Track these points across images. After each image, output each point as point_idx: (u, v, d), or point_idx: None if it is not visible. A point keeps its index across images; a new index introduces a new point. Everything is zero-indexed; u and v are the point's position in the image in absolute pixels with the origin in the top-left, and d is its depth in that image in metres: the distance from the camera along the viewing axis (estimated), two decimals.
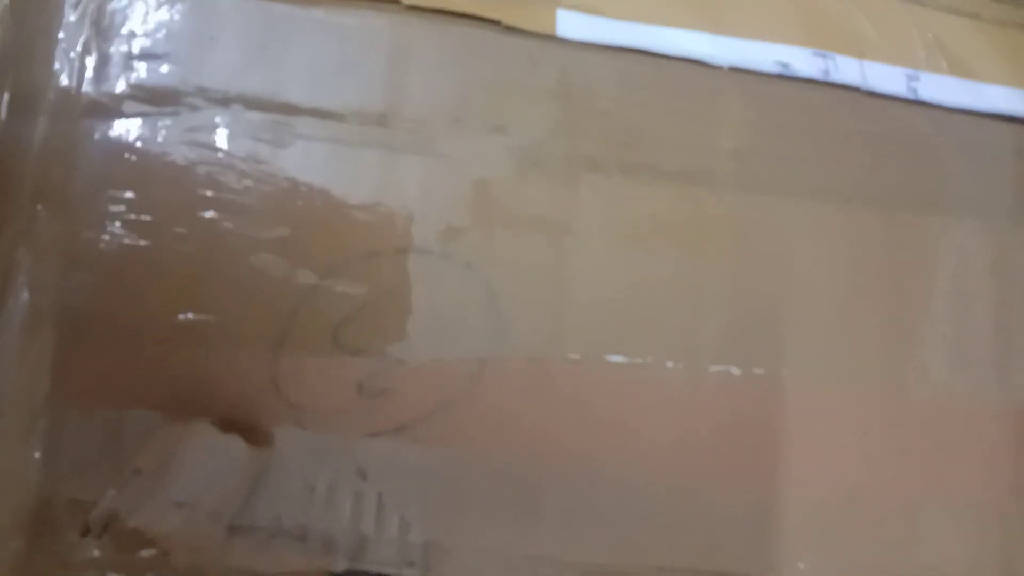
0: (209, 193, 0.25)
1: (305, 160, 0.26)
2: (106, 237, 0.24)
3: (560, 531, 0.26)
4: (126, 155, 0.25)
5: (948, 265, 0.29)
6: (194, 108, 0.25)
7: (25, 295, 0.23)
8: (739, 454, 0.27)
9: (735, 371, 0.27)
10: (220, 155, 0.25)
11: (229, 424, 0.24)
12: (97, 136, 0.25)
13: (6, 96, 0.25)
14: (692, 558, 0.26)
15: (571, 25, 0.27)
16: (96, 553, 0.23)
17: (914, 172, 0.30)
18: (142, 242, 0.24)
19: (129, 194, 0.25)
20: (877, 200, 0.29)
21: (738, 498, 0.26)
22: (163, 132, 0.25)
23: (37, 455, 0.23)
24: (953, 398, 0.28)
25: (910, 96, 0.30)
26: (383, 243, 0.26)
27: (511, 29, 0.27)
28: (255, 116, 0.26)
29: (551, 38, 0.27)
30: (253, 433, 0.25)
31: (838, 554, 0.27)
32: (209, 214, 0.25)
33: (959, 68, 0.31)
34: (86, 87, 0.25)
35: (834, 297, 0.28)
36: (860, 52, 0.30)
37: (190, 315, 0.24)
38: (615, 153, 0.27)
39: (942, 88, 0.30)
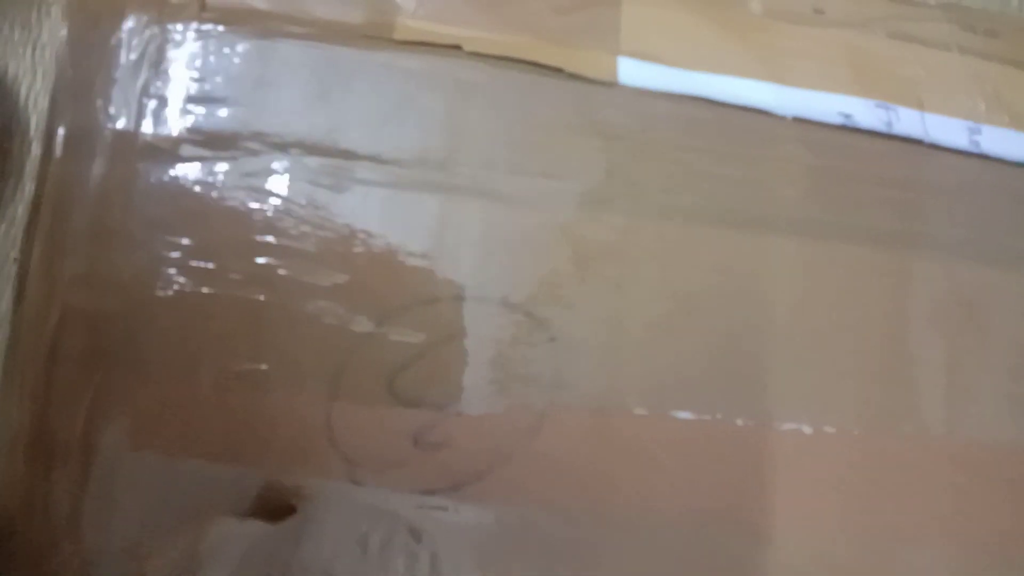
0: (266, 239, 0.24)
1: (363, 205, 0.25)
2: (161, 282, 0.24)
3: None
4: (183, 199, 0.24)
5: (1003, 314, 0.29)
6: (252, 153, 0.25)
7: (82, 338, 0.23)
8: (800, 511, 0.26)
9: (807, 430, 0.26)
10: (278, 200, 0.25)
11: (278, 479, 0.23)
12: (153, 179, 0.24)
13: (61, 132, 0.24)
14: None
15: (633, 72, 0.27)
16: None
17: (969, 221, 0.29)
18: (197, 288, 0.24)
19: (186, 240, 0.24)
20: (933, 247, 0.29)
21: (800, 549, 0.25)
22: (220, 176, 0.25)
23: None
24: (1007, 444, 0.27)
25: (972, 149, 0.30)
26: (442, 290, 0.25)
27: (573, 76, 0.27)
28: (313, 161, 0.25)
29: (613, 85, 0.27)
30: (297, 493, 0.24)
31: None
32: (265, 260, 0.24)
33: (1020, 121, 0.30)
34: (143, 129, 0.25)
35: (893, 342, 0.27)
36: (921, 104, 0.30)
37: (246, 364, 0.24)
38: (677, 199, 0.27)
39: (1004, 141, 0.30)
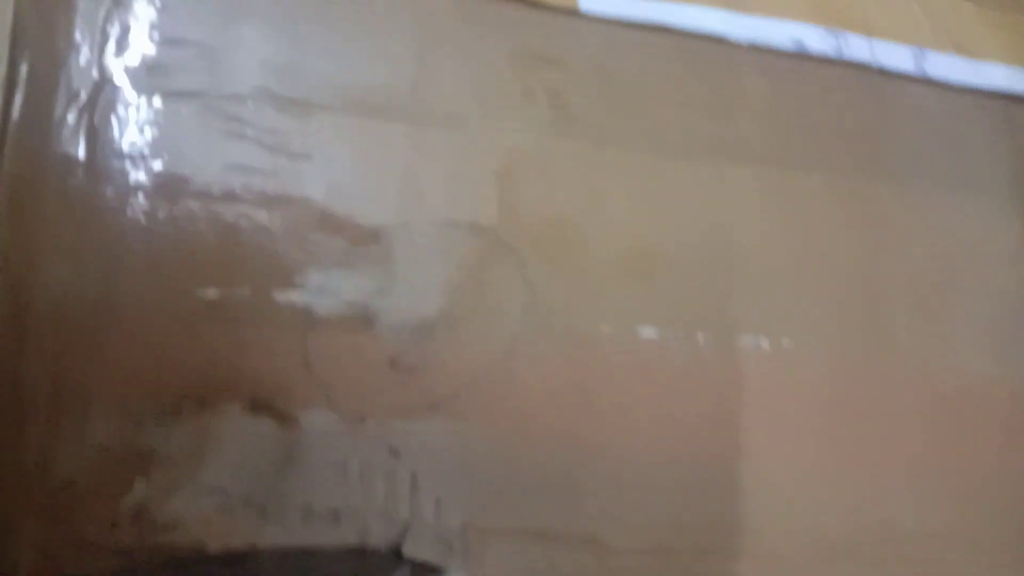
0: (236, 170, 0.24)
1: (331, 134, 0.25)
2: (130, 212, 0.23)
3: (599, 510, 0.25)
4: (150, 131, 0.24)
5: (952, 233, 0.30)
6: (218, 82, 0.25)
7: (55, 275, 0.22)
8: (760, 421, 0.27)
9: (764, 343, 0.27)
10: (246, 131, 0.25)
11: (258, 405, 0.24)
12: (120, 110, 0.24)
13: (24, 68, 0.24)
14: (727, 523, 0.26)
15: (593, 1, 0.27)
16: (126, 542, 0.22)
17: (919, 146, 0.30)
18: (166, 218, 0.24)
19: (154, 169, 0.24)
20: (885, 171, 0.30)
21: (757, 464, 0.26)
22: (187, 106, 0.24)
23: (62, 441, 0.22)
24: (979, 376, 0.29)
25: (918, 74, 0.31)
26: (411, 216, 0.25)
27: (534, 4, 0.27)
28: (281, 90, 0.25)
29: (574, 13, 0.27)
30: (282, 414, 0.24)
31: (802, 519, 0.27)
32: (237, 189, 0.24)
33: (963, 47, 0.32)
34: (107, 60, 0.24)
35: (851, 266, 0.29)
36: (868, 30, 0.31)
37: (218, 291, 0.24)
38: (638, 124, 0.27)
39: (949, 66, 0.31)
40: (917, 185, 0.30)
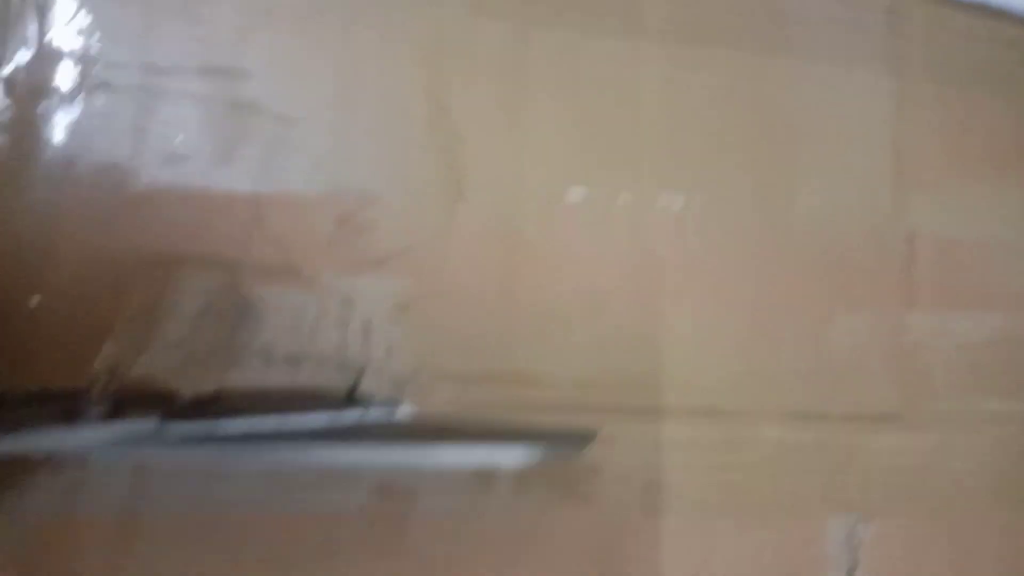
0: (177, 37, 0.26)
1: (263, 10, 0.27)
2: (83, 85, 0.24)
3: (532, 353, 0.28)
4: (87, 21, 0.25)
5: (838, 106, 0.33)
6: None
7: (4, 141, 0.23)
8: (682, 273, 0.30)
9: (679, 199, 0.30)
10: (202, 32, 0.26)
11: (214, 264, 0.25)
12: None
13: None
14: (646, 360, 0.29)
15: None
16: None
17: (804, 26, 0.34)
18: (117, 88, 0.25)
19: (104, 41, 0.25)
20: (774, 49, 0.33)
21: (682, 306, 0.30)
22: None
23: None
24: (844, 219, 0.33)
25: None
26: (352, 88, 0.27)
27: None
28: None
29: None
30: (237, 270, 0.25)
31: (765, 340, 0.31)
32: (182, 67, 0.25)
33: None
34: None
35: (755, 132, 0.32)
36: None
37: (175, 155, 0.25)
38: (553, 4, 0.30)
39: None
40: (808, 59, 0.33)
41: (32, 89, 0.24)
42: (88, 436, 0.23)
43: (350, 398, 0.26)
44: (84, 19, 0.25)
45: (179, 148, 0.25)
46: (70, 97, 0.24)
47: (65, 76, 0.25)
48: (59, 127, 0.24)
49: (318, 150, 0.27)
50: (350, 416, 0.25)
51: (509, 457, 0.27)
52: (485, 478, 0.26)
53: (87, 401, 0.23)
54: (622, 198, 0.30)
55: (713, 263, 0.30)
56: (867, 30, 0.34)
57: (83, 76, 0.25)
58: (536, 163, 0.29)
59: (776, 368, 0.31)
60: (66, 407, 0.23)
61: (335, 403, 0.25)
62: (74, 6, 0.25)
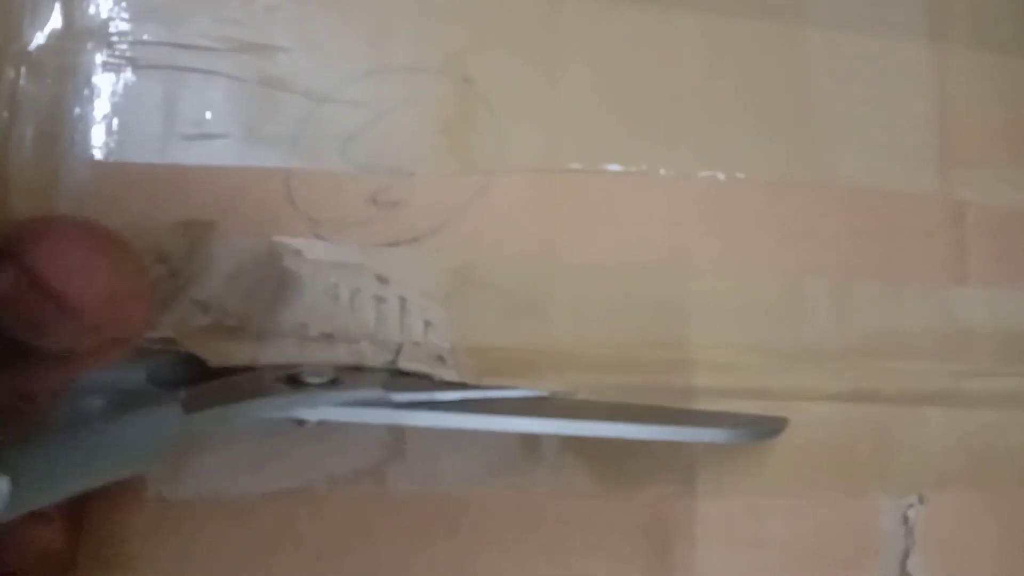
0: (213, 19, 0.25)
1: None
2: (110, 60, 0.24)
3: (567, 325, 0.27)
4: None
5: (879, 75, 0.32)
6: None
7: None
8: (719, 246, 0.29)
9: (720, 176, 0.29)
10: None
11: (246, 233, 0.25)
12: None
13: None
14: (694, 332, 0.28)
15: None
16: None
17: None
18: (147, 64, 0.24)
19: (132, 16, 0.24)
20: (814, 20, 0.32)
21: (727, 279, 0.29)
22: None
23: None
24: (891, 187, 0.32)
25: None
26: (381, 61, 0.27)
27: None
28: None
29: None
30: (273, 243, 0.25)
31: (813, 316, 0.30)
32: (212, 39, 0.25)
33: None
34: None
35: (788, 103, 0.31)
36: None
37: (202, 133, 0.24)
38: None
39: None
40: (842, 30, 0.32)
41: (59, 67, 0.24)
42: (324, 402, 0.23)
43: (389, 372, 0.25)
44: None
45: (208, 125, 0.25)
46: (97, 75, 0.24)
47: (92, 54, 0.24)
48: (87, 105, 0.24)
49: (349, 126, 0.26)
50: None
51: (710, 438, 0.26)
52: None
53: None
54: (659, 171, 0.29)
55: (754, 237, 0.30)
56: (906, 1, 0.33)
57: (110, 54, 0.24)
58: (571, 135, 0.28)
59: (820, 347, 0.30)
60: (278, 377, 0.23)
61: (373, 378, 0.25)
62: None
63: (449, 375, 0.25)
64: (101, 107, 0.24)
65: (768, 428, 0.27)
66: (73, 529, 0.21)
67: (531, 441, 0.27)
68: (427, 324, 0.26)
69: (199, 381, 0.22)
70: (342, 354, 0.25)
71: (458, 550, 0.26)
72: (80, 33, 0.24)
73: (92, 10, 0.24)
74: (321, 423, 0.23)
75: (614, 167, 0.28)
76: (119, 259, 0.17)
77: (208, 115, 0.25)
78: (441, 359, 0.25)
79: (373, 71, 0.26)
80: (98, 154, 0.24)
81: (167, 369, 0.22)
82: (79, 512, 0.22)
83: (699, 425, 0.26)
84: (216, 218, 0.25)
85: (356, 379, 0.24)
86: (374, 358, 0.25)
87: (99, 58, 0.24)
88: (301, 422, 0.23)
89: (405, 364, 0.25)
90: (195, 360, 0.23)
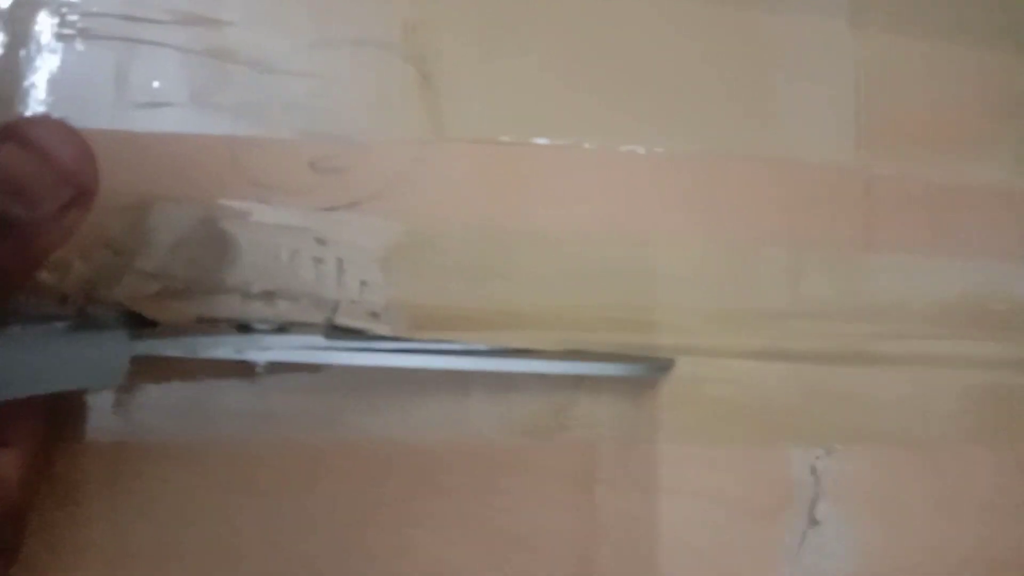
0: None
1: None
2: (64, 31, 0.26)
3: (506, 288, 0.29)
4: None
5: (799, 53, 0.34)
6: None
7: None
8: (643, 217, 0.31)
9: (640, 150, 0.31)
10: None
11: (190, 199, 0.26)
12: None
13: None
14: (613, 294, 0.31)
15: None
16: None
17: None
18: (99, 36, 0.26)
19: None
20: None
21: (647, 246, 0.31)
22: None
23: None
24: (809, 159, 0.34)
25: None
26: (325, 33, 0.28)
27: None
28: None
29: None
30: (212, 204, 0.27)
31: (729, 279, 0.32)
32: (162, 6, 0.26)
33: None
34: None
35: (713, 80, 0.33)
36: None
37: (152, 101, 0.26)
38: None
39: None
40: (765, 10, 0.34)
41: (11, 36, 0.25)
42: (273, 344, 0.25)
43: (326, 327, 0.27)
44: None
45: (157, 95, 0.26)
46: (49, 45, 0.26)
47: (44, 24, 0.26)
48: (38, 74, 0.26)
49: (293, 96, 0.28)
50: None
51: (601, 372, 0.29)
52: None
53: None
54: (584, 144, 0.31)
55: (675, 206, 0.32)
56: None
57: (62, 24, 0.26)
58: (504, 108, 0.30)
59: (747, 307, 0.32)
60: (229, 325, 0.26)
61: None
62: None
63: (382, 330, 0.27)
64: (52, 76, 0.26)
65: (658, 366, 0.30)
66: (32, 463, 0.23)
67: (463, 390, 0.29)
68: (363, 283, 0.28)
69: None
70: (283, 310, 0.27)
71: (398, 492, 0.28)
72: (32, 3, 0.26)
73: None
74: (270, 366, 0.25)
75: (542, 140, 0.30)
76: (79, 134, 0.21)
77: (156, 84, 0.26)
78: (375, 315, 0.27)
79: (317, 43, 0.28)
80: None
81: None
82: (39, 448, 0.23)
83: (597, 362, 0.29)
84: (165, 182, 0.26)
85: (301, 331, 0.26)
86: (313, 314, 0.27)
87: (50, 28, 0.26)
88: (252, 366, 0.25)
89: (341, 320, 0.27)
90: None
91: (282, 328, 0.26)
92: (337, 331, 0.27)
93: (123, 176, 0.26)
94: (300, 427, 0.27)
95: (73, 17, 0.26)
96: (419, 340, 0.27)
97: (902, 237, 0.35)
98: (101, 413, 0.25)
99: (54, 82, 0.26)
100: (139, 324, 0.24)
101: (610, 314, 0.31)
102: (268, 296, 0.27)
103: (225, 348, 0.24)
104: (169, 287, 0.25)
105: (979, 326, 0.36)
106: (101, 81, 0.26)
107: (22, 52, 0.25)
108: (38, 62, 0.25)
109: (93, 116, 0.26)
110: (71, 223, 0.21)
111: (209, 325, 0.25)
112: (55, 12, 0.26)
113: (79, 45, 0.26)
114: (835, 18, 0.35)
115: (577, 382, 0.30)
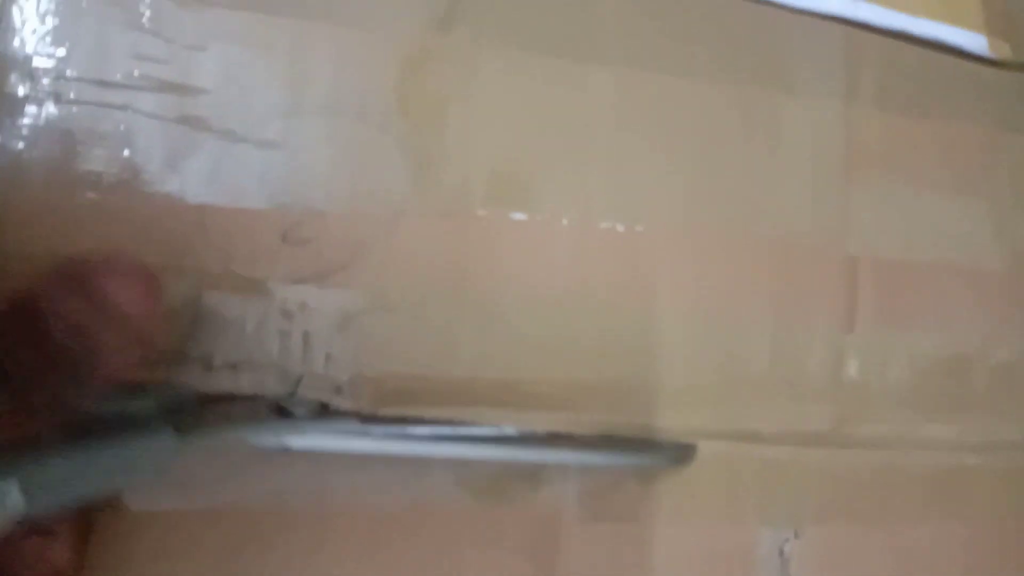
0: (134, 55, 0.26)
1: (217, 26, 0.27)
2: (32, 94, 0.25)
3: (474, 356, 0.29)
4: (50, 16, 0.26)
5: (789, 131, 0.34)
6: None
7: None
8: (621, 291, 0.31)
9: (620, 227, 0.31)
10: (144, 19, 0.27)
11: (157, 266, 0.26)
12: None
13: None
14: (588, 370, 0.30)
15: None
16: None
17: (763, 55, 0.34)
18: (68, 101, 0.26)
19: (53, 53, 0.25)
20: (733, 77, 0.34)
21: (623, 321, 0.31)
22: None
23: None
24: (791, 240, 0.34)
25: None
26: (300, 104, 0.28)
27: None
28: None
29: None
30: (184, 276, 0.26)
31: (704, 357, 0.32)
32: (133, 76, 0.26)
33: None
34: None
35: (697, 156, 0.33)
36: None
37: (119, 169, 0.26)
38: (510, 28, 0.30)
39: None
40: (754, 86, 0.34)
41: None
42: (312, 430, 0.26)
43: (287, 404, 0.27)
44: (36, 30, 0.26)
45: (127, 160, 0.26)
46: (19, 107, 0.25)
47: (15, 85, 0.25)
48: (7, 136, 0.25)
49: (265, 164, 0.27)
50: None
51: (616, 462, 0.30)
52: None
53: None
54: (562, 220, 0.30)
55: (670, 280, 0.31)
56: (820, 59, 0.35)
57: (34, 87, 0.25)
58: (479, 181, 0.30)
59: (707, 385, 0.32)
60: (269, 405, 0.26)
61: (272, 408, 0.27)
62: (25, 17, 0.26)
63: (345, 405, 0.27)
64: (20, 138, 0.25)
65: (674, 455, 0.31)
66: (79, 546, 0.23)
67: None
68: (328, 356, 0.27)
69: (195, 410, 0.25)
70: (245, 383, 0.26)
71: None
72: (3, 66, 0.25)
73: (16, 43, 0.25)
74: (305, 451, 0.26)
75: (519, 215, 0.30)
76: (158, 288, 0.21)
77: (126, 151, 0.26)
78: (339, 390, 0.27)
79: (291, 113, 0.28)
80: (15, 184, 0.25)
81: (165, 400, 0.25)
82: (84, 530, 0.24)
83: (615, 451, 0.29)
84: (131, 247, 0.26)
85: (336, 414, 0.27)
86: (275, 387, 0.27)
87: (22, 91, 0.25)
88: (286, 449, 0.26)
89: (304, 394, 0.27)
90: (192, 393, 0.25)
91: (319, 412, 0.26)
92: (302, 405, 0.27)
93: (86, 238, 0.26)
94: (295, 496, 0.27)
95: (45, 81, 0.26)
96: (458, 423, 0.28)
97: (881, 314, 0.35)
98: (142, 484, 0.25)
99: (21, 145, 0.25)
100: (173, 410, 0.25)
101: (581, 388, 0.30)
102: (231, 367, 0.26)
103: (267, 437, 0.25)
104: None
105: (943, 407, 0.36)
106: (68, 145, 0.26)
107: None
108: (7, 124, 0.25)
109: (60, 181, 0.26)
110: (132, 359, 0.21)
111: (249, 409, 0.26)
112: (26, 74, 0.25)
113: (48, 109, 0.26)
114: (827, 94, 0.35)
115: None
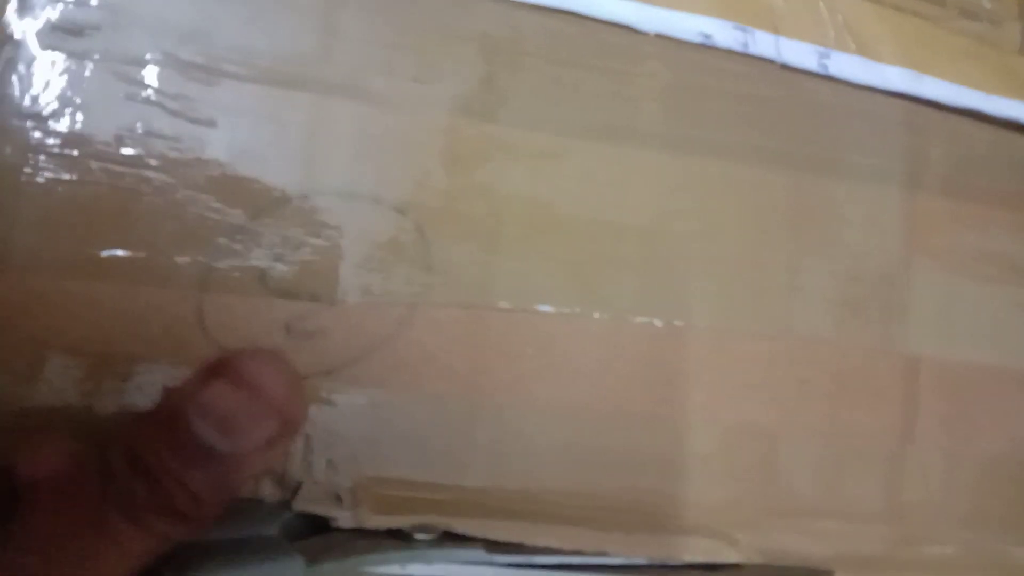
0: (136, 130, 0.25)
1: (236, 100, 0.26)
2: (28, 170, 0.24)
3: (490, 467, 0.26)
4: (51, 87, 0.24)
5: (844, 221, 0.32)
6: (123, 44, 0.25)
7: None
8: (655, 395, 0.28)
9: (658, 323, 0.28)
10: (149, 91, 0.25)
11: (153, 363, 0.24)
12: (22, 68, 0.24)
13: None
14: (613, 483, 0.27)
15: None
16: None
17: (818, 138, 0.32)
18: (65, 176, 0.24)
19: (55, 128, 0.24)
20: (784, 161, 0.31)
21: (655, 433, 0.28)
22: (91, 66, 0.25)
23: None
24: (844, 340, 0.31)
25: (821, 71, 0.32)
26: (314, 187, 0.26)
27: None
28: (186, 53, 0.25)
29: None
30: (179, 376, 0.24)
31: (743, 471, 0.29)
32: (135, 151, 0.25)
33: (864, 49, 0.33)
34: (8, 17, 0.25)
35: (742, 247, 0.30)
36: (776, 28, 0.32)
37: (116, 252, 0.24)
38: (546, 110, 0.28)
39: (850, 66, 0.32)
40: (809, 172, 0.31)
41: None
42: (438, 559, 0.25)
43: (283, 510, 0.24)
44: (36, 99, 0.24)
45: (127, 244, 0.24)
46: (24, 184, 0.24)
47: (17, 161, 0.24)
48: (9, 213, 0.24)
49: (272, 252, 0.25)
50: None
51: None
52: None
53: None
54: (594, 314, 0.28)
55: (690, 388, 0.29)
56: (879, 140, 0.32)
57: (35, 165, 0.24)
58: (504, 271, 0.27)
59: (755, 505, 0.29)
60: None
61: (269, 516, 0.24)
62: (25, 86, 0.24)
63: (344, 518, 0.25)
64: (24, 215, 0.24)
65: None
66: None
67: None
68: (329, 463, 0.25)
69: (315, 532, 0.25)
70: (243, 489, 0.24)
71: None
72: (7, 141, 0.24)
73: (15, 113, 0.24)
74: None
75: (545, 308, 0.27)
76: (299, 378, 0.21)
77: (128, 236, 0.24)
78: (339, 499, 0.25)
79: (305, 195, 0.26)
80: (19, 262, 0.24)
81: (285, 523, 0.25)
82: None
83: None
84: (125, 340, 0.24)
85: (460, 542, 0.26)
86: (272, 494, 0.25)
87: (27, 169, 0.24)
88: None
89: (300, 504, 0.24)
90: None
91: (441, 538, 0.25)
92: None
93: (78, 331, 0.24)
94: None
95: (41, 158, 0.24)
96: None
97: (942, 428, 0.32)
98: None
99: (24, 223, 0.24)
100: (294, 535, 0.25)
101: (607, 502, 0.28)
102: None
103: (391, 566, 0.24)
104: None
105: (1013, 524, 0.32)
106: (71, 224, 0.24)
107: None
108: (10, 202, 0.24)
109: (53, 265, 0.24)
110: (273, 454, 0.21)
111: (370, 535, 0.25)
112: (22, 155, 0.24)
113: (48, 185, 0.24)
114: (886, 181, 0.32)
115: None
